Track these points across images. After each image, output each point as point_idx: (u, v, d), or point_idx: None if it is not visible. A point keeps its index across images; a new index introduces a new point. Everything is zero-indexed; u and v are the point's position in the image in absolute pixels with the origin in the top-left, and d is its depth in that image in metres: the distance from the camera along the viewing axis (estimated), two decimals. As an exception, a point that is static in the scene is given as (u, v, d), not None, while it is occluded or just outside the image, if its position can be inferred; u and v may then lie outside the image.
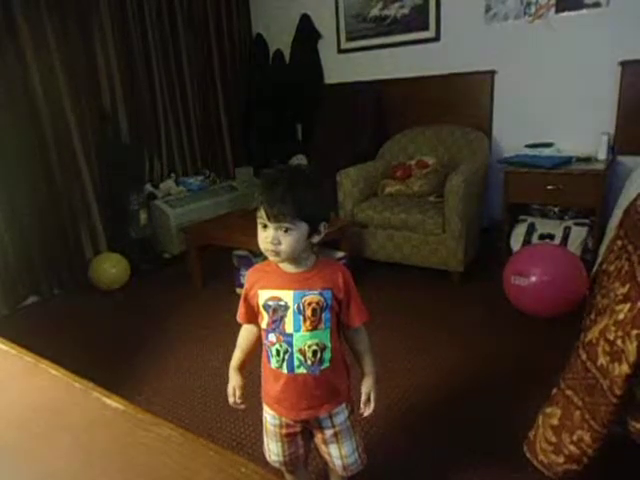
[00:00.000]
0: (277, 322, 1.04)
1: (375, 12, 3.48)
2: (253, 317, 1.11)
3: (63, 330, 2.57)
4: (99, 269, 3.01)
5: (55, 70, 2.89)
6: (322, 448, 1.20)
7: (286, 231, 0.97)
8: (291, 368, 1.05)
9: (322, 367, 1.06)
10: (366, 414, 1.15)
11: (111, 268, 3.03)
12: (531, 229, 2.84)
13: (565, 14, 2.84)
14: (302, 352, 1.04)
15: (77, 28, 3.00)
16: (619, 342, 1.13)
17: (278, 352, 1.05)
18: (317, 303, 1.03)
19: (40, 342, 2.41)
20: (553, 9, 2.87)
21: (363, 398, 1.15)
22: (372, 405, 1.15)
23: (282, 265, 1.05)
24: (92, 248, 3.18)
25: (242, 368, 1.17)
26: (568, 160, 2.72)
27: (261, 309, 1.06)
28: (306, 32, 3.80)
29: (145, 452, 0.54)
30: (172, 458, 0.53)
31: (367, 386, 1.15)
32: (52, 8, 2.83)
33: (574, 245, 2.68)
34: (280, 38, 3.95)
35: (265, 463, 1.25)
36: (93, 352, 2.32)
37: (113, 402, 0.62)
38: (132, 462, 0.54)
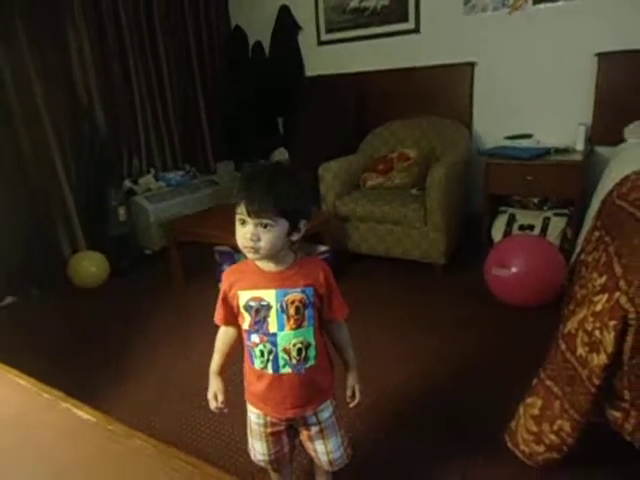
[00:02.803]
0: (260, 322, 1.02)
1: (354, 4, 3.45)
2: (232, 319, 1.09)
3: (41, 331, 2.52)
4: (78, 268, 2.95)
5: (27, 65, 2.80)
6: (308, 445, 1.20)
7: (266, 227, 0.95)
8: (276, 368, 1.04)
9: (307, 365, 1.06)
10: (352, 406, 1.17)
11: (90, 266, 2.97)
12: (511, 220, 2.87)
13: (542, 6, 2.85)
14: (287, 351, 1.03)
15: (49, 21, 2.91)
16: (597, 333, 1.15)
17: (262, 353, 1.04)
18: (300, 301, 1.02)
19: (17, 344, 2.37)
20: (531, 0, 2.88)
21: (349, 393, 1.17)
22: (357, 397, 1.17)
23: (261, 264, 1.04)
24: (70, 246, 3.11)
25: (223, 372, 1.15)
26: (547, 151, 2.75)
27: (242, 310, 1.04)
28: (285, 24, 3.75)
29: (115, 466, 0.52)
30: (143, 472, 0.51)
31: (352, 380, 1.17)
32: (23, 1, 2.74)
33: (553, 235, 2.72)
34: (259, 30, 3.90)
35: (249, 461, 1.25)
36: (73, 353, 2.28)
37: (84, 414, 0.60)
38: (101, 477, 0.52)
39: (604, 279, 1.26)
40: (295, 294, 1.02)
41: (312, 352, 1.06)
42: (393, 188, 3.05)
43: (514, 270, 2.20)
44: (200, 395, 1.84)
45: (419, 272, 2.82)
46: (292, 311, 1.01)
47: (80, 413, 0.59)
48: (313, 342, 1.06)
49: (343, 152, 3.27)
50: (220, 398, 1.11)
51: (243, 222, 0.97)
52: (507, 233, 2.82)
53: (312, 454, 1.21)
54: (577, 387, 1.21)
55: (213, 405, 1.13)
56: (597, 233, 1.69)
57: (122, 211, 3.20)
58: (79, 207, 3.14)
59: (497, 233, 2.87)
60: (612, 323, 1.11)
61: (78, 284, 2.96)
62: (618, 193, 1.68)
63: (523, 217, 2.85)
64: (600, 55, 2.73)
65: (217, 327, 1.16)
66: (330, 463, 1.19)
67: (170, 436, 1.67)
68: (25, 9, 2.76)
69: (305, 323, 1.03)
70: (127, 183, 3.45)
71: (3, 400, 0.67)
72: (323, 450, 1.17)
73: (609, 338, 1.11)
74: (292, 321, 1.02)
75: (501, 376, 1.86)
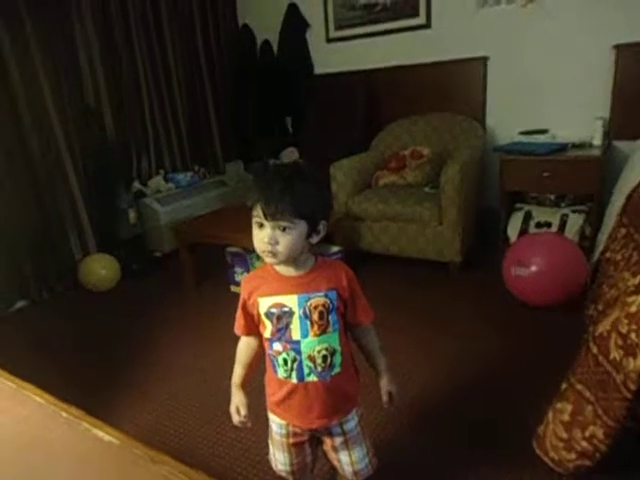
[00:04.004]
0: (282, 330, 0.98)
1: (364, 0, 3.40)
2: (253, 327, 1.05)
3: (52, 337, 2.49)
4: (89, 271, 2.93)
5: (35, 65, 2.77)
6: (331, 455, 1.15)
7: (284, 230, 0.91)
8: (301, 377, 1.00)
9: (333, 372, 1.02)
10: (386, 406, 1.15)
11: (101, 269, 2.95)
12: (528, 217, 2.81)
13: (557, -3, 2.79)
14: (311, 359, 0.99)
15: (57, 20, 2.88)
16: (633, 335, 1.10)
17: (285, 361, 0.99)
18: (323, 305, 0.98)
19: (29, 349, 2.35)
20: (545, -8, 2.81)
21: (385, 398, 1.13)
22: (395, 402, 1.14)
23: (280, 269, 1.00)
24: (81, 249, 3.09)
25: (245, 384, 1.11)
26: (563, 146, 2.69)
27: (263, 318, 1.00)
28: (294, 22, 3.71)
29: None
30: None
31: (386, 385, 1.13)
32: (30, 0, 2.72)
33: (571, 232, 2.65)
34: (268, 28, 3.86)
35: (269, 470, 1.21)
36: (85, 358, 2.26)
37: (105, 435, 0.56)
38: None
39: (638, 279, 1.21)
40: (318, 299, 0.98)
41: (338, 359, 1.02)
42: (406, 186, 3.00)
43: (534, 269, 2.15)
44: (217, 401, 1.82)
45: (434, 271, 2.77)
46: (316, 317, 0.97)
47: (101, 434, 0.55)
48: (339, 348, 1.02)
49: (354, 150, 3.22)
50: (243, 412, 1.07)
51: (260, 225, 0.93)
52: (523, 231, 2.76)
53: (336, 464, 1.17)
54: (611, 392, 1.16)
55: (236, 419, 1.08)
56: (623, 230, 1.64)
57: (132, 213, 3.18)
58: (89, 210, 3.12)
59: (513, 231, 2.81)
60: (650, 326, 1.06)
61: (89, 288, 2.94)
62: (646, 189, 1.63)
63: (540, 214, 2.79)
64: (618, 47, 2.66)
65: (232, 330, 1.10)
66: (355, 474, 1.14)
67: (187, 444, 1.64)
68: (33, 8, 2.73)
69: (330, 329, 0.99)
70: (136, 185, 3.42)
71: (20, 419, 0.63)
72: (347, 461, 1.12)
73: (647, 341, 1.06)
74: (316, 327, 0.98)
75: (524, 378, 1.81)
